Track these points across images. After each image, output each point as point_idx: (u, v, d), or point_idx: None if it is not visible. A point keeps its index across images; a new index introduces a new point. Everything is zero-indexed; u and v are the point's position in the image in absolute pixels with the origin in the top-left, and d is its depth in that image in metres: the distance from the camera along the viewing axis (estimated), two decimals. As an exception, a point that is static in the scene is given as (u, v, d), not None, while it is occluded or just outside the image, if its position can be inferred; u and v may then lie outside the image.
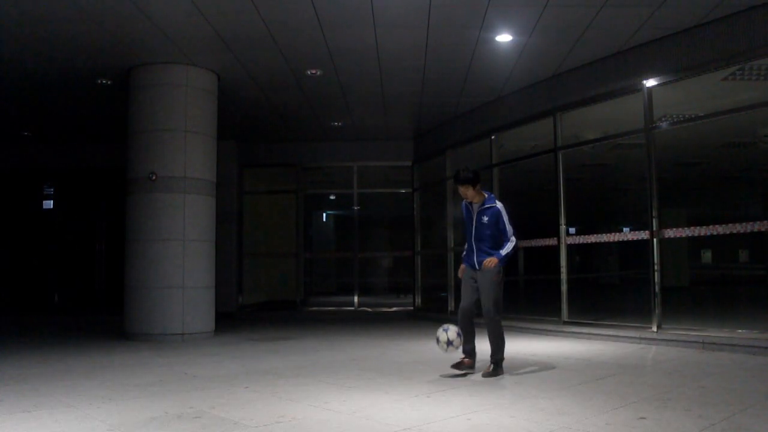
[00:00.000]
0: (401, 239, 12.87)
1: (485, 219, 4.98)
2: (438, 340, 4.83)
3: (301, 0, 5.94)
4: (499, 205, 5.02)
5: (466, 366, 4.88)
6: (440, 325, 4.93)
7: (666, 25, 6.46)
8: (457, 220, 10.62)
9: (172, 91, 7.74)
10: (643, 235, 6.93)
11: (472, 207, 5.09)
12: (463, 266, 5.17)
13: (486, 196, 5.07)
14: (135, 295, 7.63)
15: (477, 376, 4.76)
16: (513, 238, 4.97)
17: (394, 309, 11.93)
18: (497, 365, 4.87)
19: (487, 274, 4.90)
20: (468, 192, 5.02)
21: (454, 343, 4.78)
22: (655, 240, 6.78)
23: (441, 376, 4.81)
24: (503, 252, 4.93)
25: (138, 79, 7.82)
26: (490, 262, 4.88)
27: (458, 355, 4.95)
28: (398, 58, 7.53)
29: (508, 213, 5.02)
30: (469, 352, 4.94)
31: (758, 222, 6.10)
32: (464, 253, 5.19)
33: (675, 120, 7.13)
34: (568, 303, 7.94)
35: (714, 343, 5.96)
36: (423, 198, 11.76)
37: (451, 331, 4.80)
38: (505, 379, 4.65)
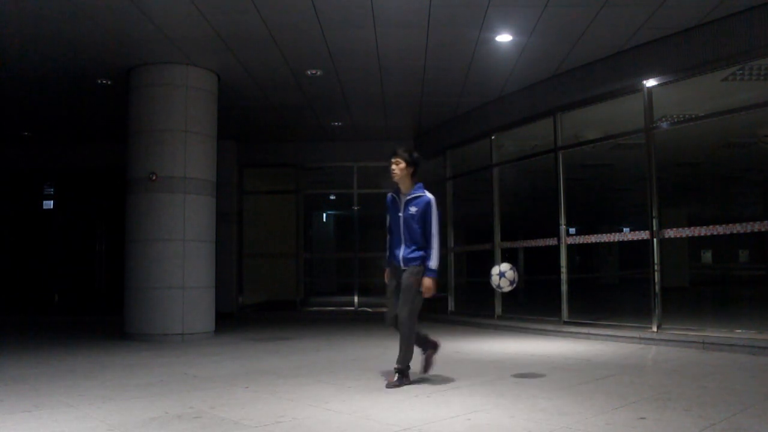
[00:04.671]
0: (401, 239, 12.83)
1: (412, 209, 4.42)
2: (492, 281, 4.84)
3: (301, 0, 5.94)
4: (429, 196, 4.47)
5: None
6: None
7: (666, 25, 6.47)
8: (459, 218, 10.63)
9: (172, 92, 7.74)
10: (643, 235, 6.93)
11: (398, 198, 4.52)
12: (389, 271, 4.60)
13: (415, 185, 4.51)
14: (135, 295, 7.63)
15: (479, 377, 4.76)
16: (436, 244, 4.40)
17: (394, 309, 11.89)
18: (402, 374, 4.38)
19: (409, 276, 4.39)
20: (397, 168, 4.45)
21: (507, 275, 4.75)
22: (655, 240, 6.79)
23: (441, 375, 4.81)
24: (432, 264, 4.38)
25: (138, 79, 7.83)
26: (428, 285, 4.37)
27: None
28: (398, 58, 7.53)
29: (439, 213, 4.51)
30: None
31: (758, 222, 6.11)
32: (388, 252, 4.60)
33: (675, 120, 7.13)
34: (568, 303, 7.94)
35: (714, 343, 5.97)
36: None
37: (503, 266, 4.80)
38: (505, 379, 4.65)
